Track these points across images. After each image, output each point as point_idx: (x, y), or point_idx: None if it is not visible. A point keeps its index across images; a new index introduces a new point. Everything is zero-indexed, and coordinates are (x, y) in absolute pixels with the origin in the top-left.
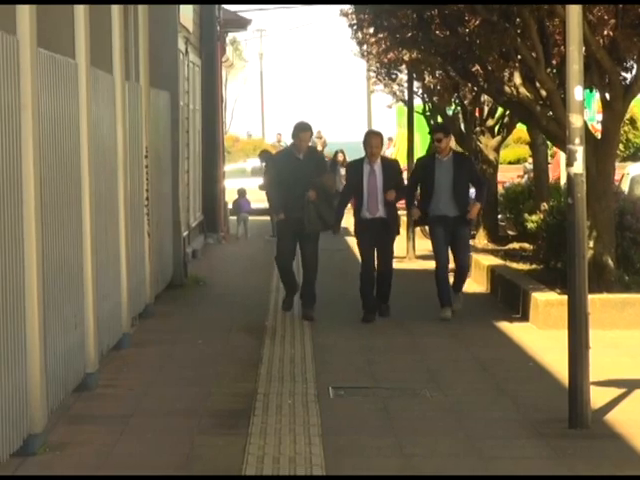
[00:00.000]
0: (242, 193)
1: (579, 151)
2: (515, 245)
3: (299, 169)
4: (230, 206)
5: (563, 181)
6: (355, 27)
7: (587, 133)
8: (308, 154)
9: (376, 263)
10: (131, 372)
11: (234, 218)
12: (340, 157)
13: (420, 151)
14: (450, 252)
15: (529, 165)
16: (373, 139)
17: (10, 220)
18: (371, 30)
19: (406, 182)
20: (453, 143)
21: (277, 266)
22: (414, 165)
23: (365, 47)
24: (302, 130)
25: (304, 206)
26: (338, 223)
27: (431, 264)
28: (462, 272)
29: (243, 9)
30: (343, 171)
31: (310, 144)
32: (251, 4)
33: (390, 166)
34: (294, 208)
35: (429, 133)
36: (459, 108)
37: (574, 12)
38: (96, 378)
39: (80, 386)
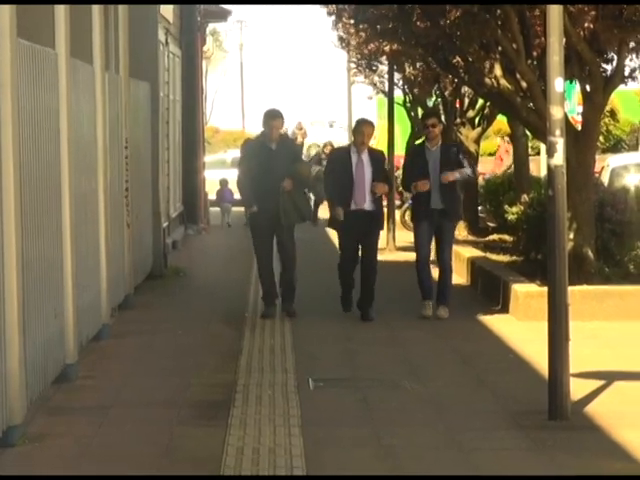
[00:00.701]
0: (224, 183)
1: (559, 143)
2: (495, 237)
3: (272, 159)
4: (214, 196)
5: (543, 173)
6: (335, 16)
7: (567, 125)
8: (281, 143)
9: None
10: (111, 363)
11: (217, 209)
12: (329, 149)
13: (401, 143)
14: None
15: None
16: (366, 127)
17: None
18: (352, 21)
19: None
20: None
21: (257, 266)
22: (406, 154)
23: (345, 37)
24: (273, 117)
25: (279, 197)
26: (336, 217)
27: (413, 255)
28: (445, 278)
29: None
30: None
31: (290, 135)
32: (234, 4)
33: (377, 157)
34: (268, 200)
35: (421, 119)
36: (439, 99)
37: (554, 4)
38: (76, 369)
39: (60, 377)
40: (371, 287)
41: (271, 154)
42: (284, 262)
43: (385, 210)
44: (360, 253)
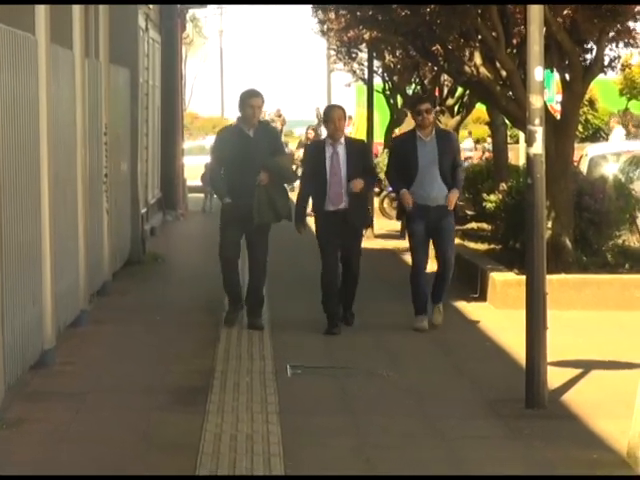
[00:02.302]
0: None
1: (539, 132)
2: (473, 225)
3: (249, 148)
4: (198, 182)
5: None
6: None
7: (546, 114)
8: (260, 130)
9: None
10: (89, 349)
11: (199, 195)
12: (311, 135)
13: (380, 130)
14: (432, 248)
15: (487, 145)
16: (336, 112)
17: None
18: (332, 8)
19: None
20: (413, 123)
21: (220, 263)
22: (392, 145)
23: (325, 25)
24: (251, 96)
25: (254, 192)
26: (302, 221)
27: (391, 243)
28: (445, 276)
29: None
30: None
31: (270, 120)
32: (215, 3)
33: (356, 148)
34: (243, 195)
35: (410, 107)
36: (419, 87)
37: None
38: (53, 355)
39: (38, 363)
40: (351, 297)
41: (249, 142)
42: (252, 268)
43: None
44: (341, 255)
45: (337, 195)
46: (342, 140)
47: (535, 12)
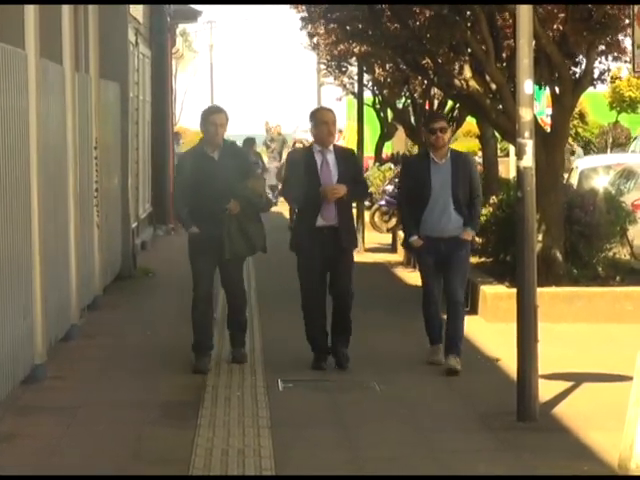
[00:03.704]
0: None
1: (529, 145)
2: None
3: (214, 172)
4: None
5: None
6: (305, 19)
7: (536, 127)
8: (225, 151)
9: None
10: (80, 363)
11: None
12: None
13: (370, 144)
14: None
15: (478, 158)
16: (326, 114)
17: None
18: (322, 22)
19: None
20: (404, 137)
21: (193, 300)
22: (402, 167)
23: (315, 39)
24: (213, 112)
25: (223, 222)
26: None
27: (382, 257)
28: (456, 323)
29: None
30: None
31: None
32: (204, 4)
33: (345, 156)
34: (210, 225)
35: (423, 124)
36: (409, 101)
37: (524, 6)
38: (44, 369)
39: (28, 377)
40: (345, 325)
41: (213, 166)
42: (231, 301)
43: (355, 211)
44: (329, 281)
45: (329, 209)
46: (331, 147)
47: (525, 25)
